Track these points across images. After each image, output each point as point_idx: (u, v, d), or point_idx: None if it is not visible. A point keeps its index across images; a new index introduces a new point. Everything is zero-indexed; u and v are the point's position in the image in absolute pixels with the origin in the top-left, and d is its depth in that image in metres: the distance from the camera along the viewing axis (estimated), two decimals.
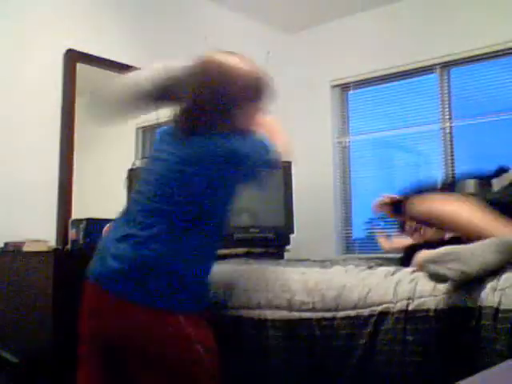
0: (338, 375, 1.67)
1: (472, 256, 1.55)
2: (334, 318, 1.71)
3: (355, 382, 1.64)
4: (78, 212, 3.20)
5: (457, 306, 1.53)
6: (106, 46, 3.53)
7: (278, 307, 1.82)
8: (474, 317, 1.51)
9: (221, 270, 2.02)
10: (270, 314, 1.82)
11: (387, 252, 2.85)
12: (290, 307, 1.79)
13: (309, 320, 1.74)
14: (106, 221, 2.88)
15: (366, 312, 1.66)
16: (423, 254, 1.59)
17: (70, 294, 2.59)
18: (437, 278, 1.57)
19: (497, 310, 1.48)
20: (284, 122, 4.01)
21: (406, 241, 2.54)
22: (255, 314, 1.85)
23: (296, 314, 1.77)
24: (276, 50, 4.52)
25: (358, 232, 4.55)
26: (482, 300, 1.51)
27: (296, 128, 4.64)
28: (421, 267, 1.57)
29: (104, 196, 3.44)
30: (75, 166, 3.29)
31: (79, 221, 2.87)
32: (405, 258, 2.22)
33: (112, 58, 3.51)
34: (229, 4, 4.29)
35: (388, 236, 2.76)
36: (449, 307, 1.54)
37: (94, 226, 2.83)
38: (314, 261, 2.51)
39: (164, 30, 3.91)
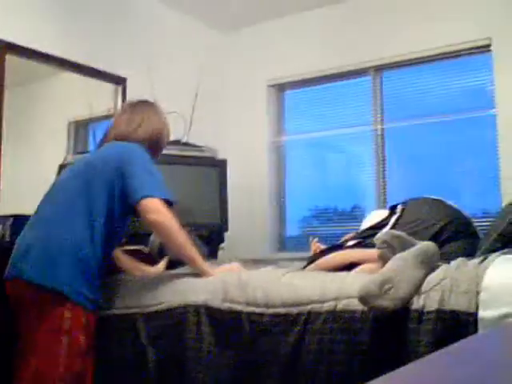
0: (265, 371, 1.69)
1: (404, 277, 1.58)
2: (263, 314, 1.74)
3: (283, 379, 1.67)
4: (6, 208, 3.09)
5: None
6: (37, 37, 3.42)
7: (212, 297, 1.86)
8: (399, 319, 1.56)
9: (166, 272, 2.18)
10: (203, 300, 1.85)
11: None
12: (224, 298, 1.83)
13: (238, 313, 1.77)
14: None
15: (295, 310, 1.70)
16: (364, 287, 1.58)
17: None
18: (380, 310, 1.57)
19: (421, 313, 1.54)
20: (220, 121, 4.08)
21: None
22: (191, 301, 1.88)
23: (227, 305, 1.80)
24: (212, 48, 4.52)
25: (292, 230, 4.61)
26: (408, 303, 1.57)
27: (232, 127, 4.66)
28: (364, 302, 1.57)
29: (34, 191, 3.34)
30: (3, 161, 3.18)
31: (5, 217, 2.78)
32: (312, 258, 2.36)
33: (43, 50, 3.41)
34: (166, 0, 4.25)
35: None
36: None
37: (20, 222, 2.74)
38: (253, 260, 2.58)
39: (98, 22, 3.83)
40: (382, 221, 2.49)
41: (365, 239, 2.33)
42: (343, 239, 2.56)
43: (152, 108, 2.37)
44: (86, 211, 2.04)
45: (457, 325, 1.51)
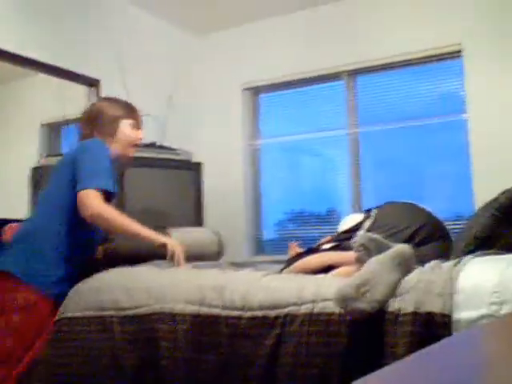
0: (243, 374, 1.69)
1: (380, 280, 1.59)
2: (241, 318, 1.73)
3: (261, 382, 1.67)
4: None
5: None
6: (8, 38, 3.36)
7: (189, 302, 1.83)
8: (375, 322, 1.57)
9: (139, 270, 2.15)
10: (181, 309, 1.82)
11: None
12: (201, 302, 1.82)
13: (217, 317, 1.77)
14: (5, 221, 2.75)
15: (272, 313, 1.70)
16: (340, 290, 1.59)
17: None
18: (357, 313, 1.57)
19: (398, 315, 1.56)
20: (195, 124, 4.08)
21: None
22: (168, 307, 1.86)
23: (205, 309, 1.79)
24: (188, 51, 4.51)
25: (268, 233, 4.62)
26: (385, 306, 1.58)
27: (207, 130, 4.65)
28: (341, 304, 1.58)
29: (5, 194, 3.29)
30: None
31: None
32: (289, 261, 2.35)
33: (16, 52, 3.35)
34: (141, 3, 4.23)
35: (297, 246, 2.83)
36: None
37: None
38: (231, 263, 2.58)
39: (72, 24, 3.79)
40: (357, 224, 2.51)
41: (341, 242, 2.34)
42: (319, 243, 2.57)
43: (102, 99, 2.54)
44: (55, 207, 2.19)
45: (433, 327, 1.52)
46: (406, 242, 2.13)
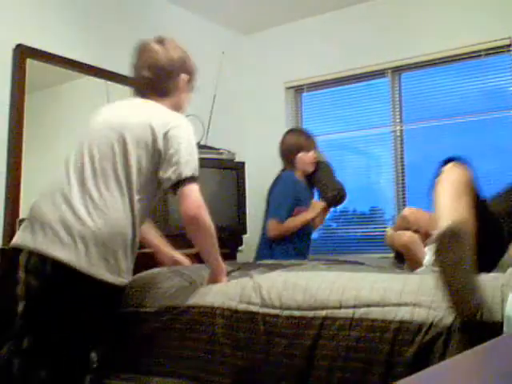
0: (279, 373, 1.69)
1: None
2: (278, 316, 1.73)
3: (296, 382, 1.66)
4: (26, 211, 3.12)
5: (401, 320, 1.56)
6: (56, 42, 3.46)
7: (229, 298, 1.86)
8: (414, 331, 1.54)
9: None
10: (220, 303, 1.85)
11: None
12: (240, 299, 1.83)
13: (254, 313, 1.78)
14: None
15: (310, 314, 1.69)
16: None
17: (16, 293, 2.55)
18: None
19: (430, 325, 1.52)
20: (238, 124, 4.06)
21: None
22: (208, 302, 1.89)
23: (243, 306, 1.81)
24: (230, 50, 4.53)
25: None
26: (422, 316, 1.54)
27: (250, 129, 4.67)
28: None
29: None
30: (24, 164, 3.22)
31: (21, 221, 2.81)
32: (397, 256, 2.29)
33: (63, 55, 3.45)
34: (183, 3, 4.27)
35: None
36: (394, 320, 1.56)
37: None
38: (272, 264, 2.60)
39: (115, 26, 3.86)
40: None
41: None
42: None
43: None
44: None
45: (480, 337, 1.47)
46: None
